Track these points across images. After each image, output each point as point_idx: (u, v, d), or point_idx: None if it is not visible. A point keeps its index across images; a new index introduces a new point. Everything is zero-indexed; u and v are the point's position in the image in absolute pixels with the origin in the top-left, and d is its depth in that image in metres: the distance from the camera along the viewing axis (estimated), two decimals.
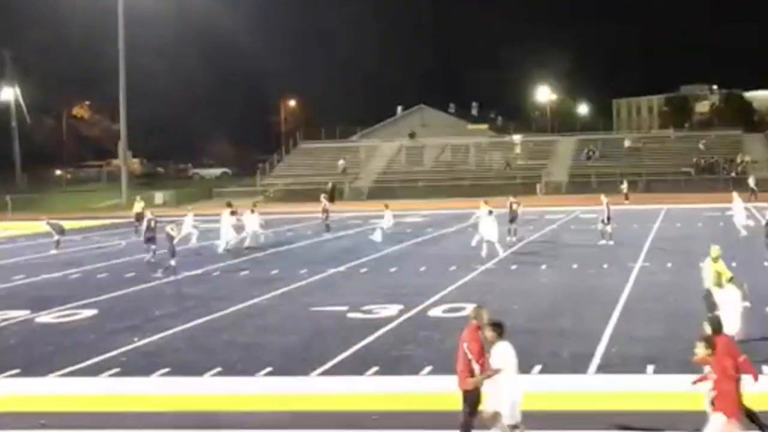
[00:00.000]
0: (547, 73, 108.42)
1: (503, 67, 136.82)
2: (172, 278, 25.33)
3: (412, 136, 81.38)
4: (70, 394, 13.63)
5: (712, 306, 14.44)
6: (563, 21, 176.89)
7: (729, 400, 9.26)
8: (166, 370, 14.70)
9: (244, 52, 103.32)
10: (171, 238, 25.87)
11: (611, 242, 30.62)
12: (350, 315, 19.13)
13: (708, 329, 9.75)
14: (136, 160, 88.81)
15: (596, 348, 15.03)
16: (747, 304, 16.08)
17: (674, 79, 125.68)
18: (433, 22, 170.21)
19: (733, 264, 19.23)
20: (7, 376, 14.69)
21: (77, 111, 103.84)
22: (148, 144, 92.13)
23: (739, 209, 33.48)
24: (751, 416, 10.02)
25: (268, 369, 14.54)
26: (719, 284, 15.36)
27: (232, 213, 33.42)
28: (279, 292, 22.63)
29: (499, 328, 9.88)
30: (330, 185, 63.28)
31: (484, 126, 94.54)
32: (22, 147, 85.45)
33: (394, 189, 65.67)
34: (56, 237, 33.83)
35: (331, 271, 26.26)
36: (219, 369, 14.61)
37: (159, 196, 66.57)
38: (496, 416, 9.82)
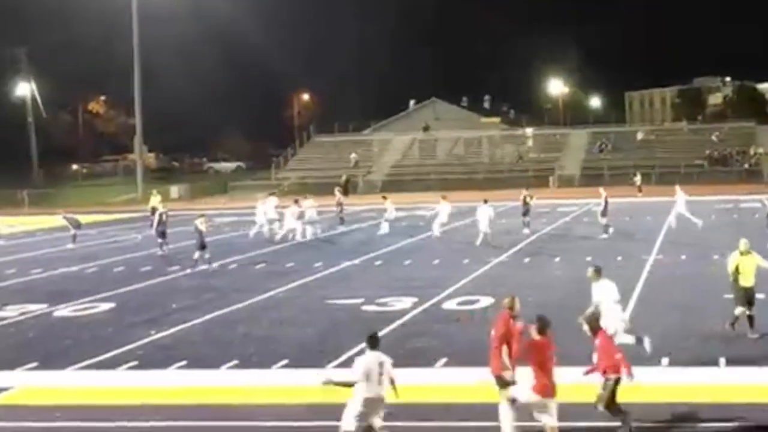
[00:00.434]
0: (560, 65, 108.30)
1: (516, 60, 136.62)
2: (189, 271, 25.53)
3: (426, 129, 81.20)
4: (87, 387, 13.80)
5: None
6: (576, 13, 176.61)
7: None
8: (183, 362, 14.85)
9: (258, 47, 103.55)
10: (200, 232, 26.02)
11: (605, 235, 30.67)
12: (365, 308, 19.26)
13: None
14: (151, 155, 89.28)
15: None
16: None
17: (687, 71, 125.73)
18: (446, 15, 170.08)
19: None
20: (26, 369, 14.88)
21: (93, 106, 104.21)
22: (164, 139, 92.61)
23: (681, 203, 33.27)
24: None
25: (284, 361, 14.67)
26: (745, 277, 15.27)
27: (295, 202, 34.01)
28: (295, 284, 22.78)
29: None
30: (344, 178, 63.32)
31: (497, 119, 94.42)
32: (38, 142, 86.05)
33: (407, 182, 65.75)
34: (73, 231, 34.03)
35: (346, 263, 26.38)
36: (235, 362, 14.75)
37: (174, 190, 66.96)
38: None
